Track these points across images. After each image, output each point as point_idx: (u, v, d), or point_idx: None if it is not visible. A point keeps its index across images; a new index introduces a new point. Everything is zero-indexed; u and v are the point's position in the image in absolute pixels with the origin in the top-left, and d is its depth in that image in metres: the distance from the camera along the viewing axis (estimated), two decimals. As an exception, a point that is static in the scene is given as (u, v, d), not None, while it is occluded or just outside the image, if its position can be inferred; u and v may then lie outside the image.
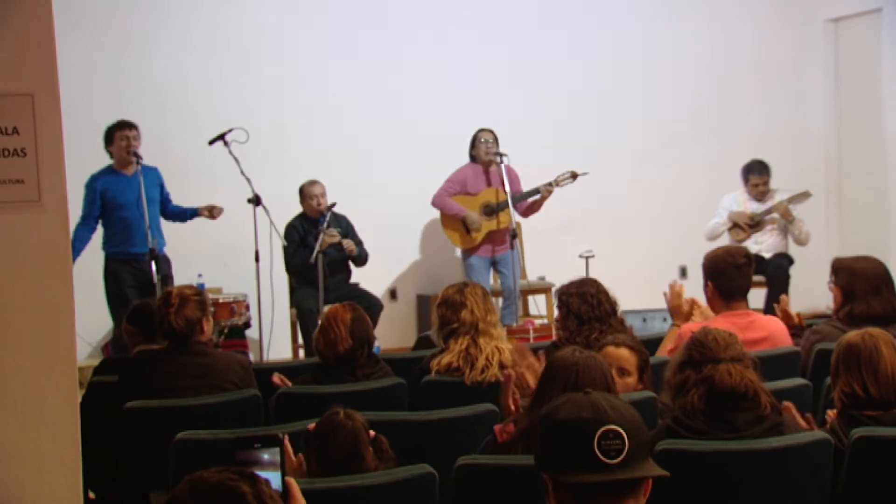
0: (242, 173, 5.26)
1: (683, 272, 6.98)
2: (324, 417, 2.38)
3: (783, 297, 3.97)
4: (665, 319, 5.65)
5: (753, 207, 6.09)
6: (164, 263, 5.19)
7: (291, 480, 1.54)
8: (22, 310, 2.23)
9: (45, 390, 2.22)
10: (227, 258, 5.94)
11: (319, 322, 3.46)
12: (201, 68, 6.10)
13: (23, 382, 2.21)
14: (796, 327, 3.72)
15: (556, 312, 3.74)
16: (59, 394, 2.24)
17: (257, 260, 5.35)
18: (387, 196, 6.36)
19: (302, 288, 5.58)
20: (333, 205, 5.52)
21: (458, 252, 6.23)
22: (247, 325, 5.37)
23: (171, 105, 5.99)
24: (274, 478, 1.50)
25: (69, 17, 5.25)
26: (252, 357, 5.59)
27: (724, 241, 5.92)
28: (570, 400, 1.59)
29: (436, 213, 6.18)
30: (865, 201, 7.01)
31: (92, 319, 5.34)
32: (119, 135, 5.14)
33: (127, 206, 5.12)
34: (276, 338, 5.68)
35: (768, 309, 5.65)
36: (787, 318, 3.77)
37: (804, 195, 6.02)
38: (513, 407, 2.78)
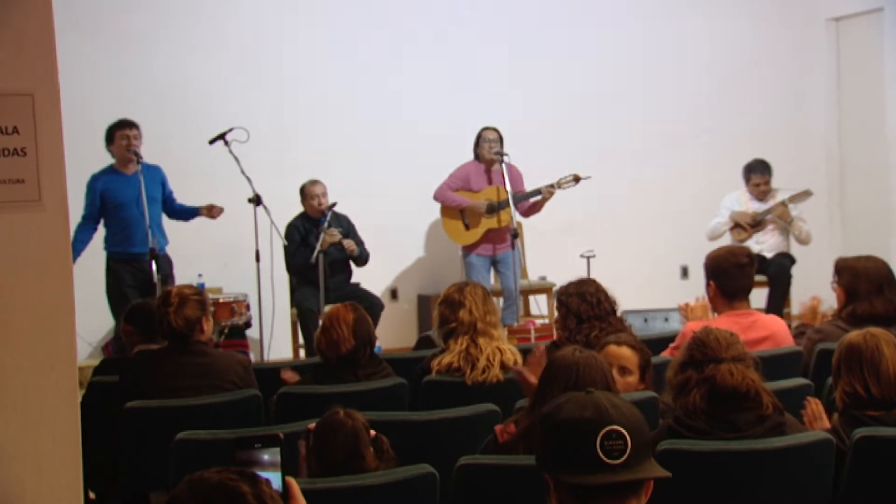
0: (243, 173, 5.25)
1: (685, 272, 6.98)
2: (324, 417, 2.38)
3: (815, 297, 3.92)
4: (666, 319, 5.65)
5: (755, 207, 6.08)
6: (165, 263, 5.19)
7: (292, 480, 1.54)
8: (22, 310, 2.22)
9: (45, 390, 2.22)
10: (228, 258, 5.93)
11: (320, 322, 3.45)
12: (201, 68, 6.10)
13: (23, 382, 2.21)
14: (803, 325, 3.71)
15: (556, 313, 3.74)
16: (59, 394, 2.24)
17: (258, 260, 5.34)
18: (387, 195, 6.35)
19: (303, 288, 5.57)
20: (334, 204, 5.52)
21: (460, 253, 6.22)
22: (247, 324, 5.37)
23: (172, 105, 5.99)
24: (274, 478, 1.50)
25: (69, 16, 5.25)
26: (252, 357, 5.59)
27: (726, 240, 5.92)
28: (572, 399, 1.58)
29: (437, 213, 6.18)
30: (867, 201, 7.01)
31: (92, 319, 5.33)
32: (119, 134, 5.13)
33: (127, 205, 5.12)
34: (276, 338, 5.67)
35: (770, 308, 5.66)
36: (812, 316, 3.75)
37: (805, 194, 6.01)
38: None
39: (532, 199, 5.90)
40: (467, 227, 5.98)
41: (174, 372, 3.24)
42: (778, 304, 5.86)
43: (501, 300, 5.94)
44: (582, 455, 1.51)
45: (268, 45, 6.24)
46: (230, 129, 5.32)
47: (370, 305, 5.13)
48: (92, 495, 3.36)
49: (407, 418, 2.96)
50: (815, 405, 2.69)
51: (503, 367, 3.30)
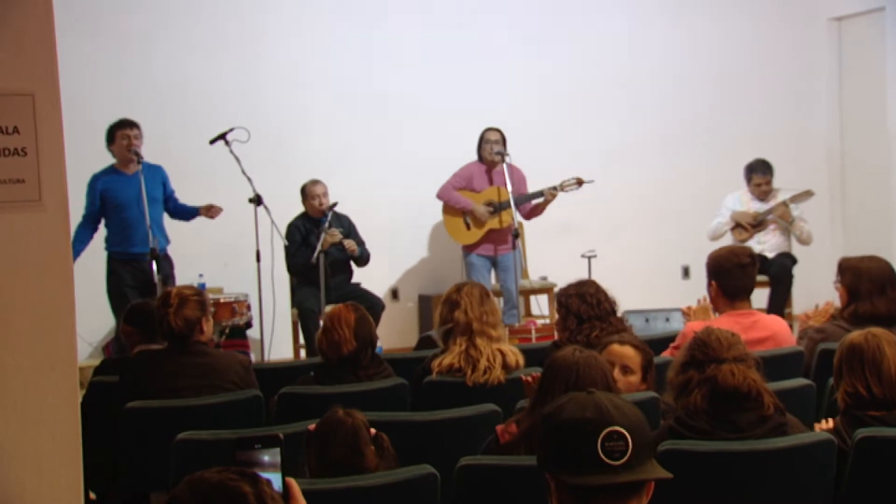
0: (244, 173, 5.25)
1: (686, 272, 6.97)
2: (324, 417, 2.38)
3: (829, 302, 3.91)
4: (668, 320, 5.65)
5: (756, 207, 6.07)
6: (166, 264, 5.19)
7: (292, 481, 1.53)
8: (22, 310, 2.21)
9: (45, 390, 2.21)
10: (229, 258, 5.93)
11: (321, 322, 3.45)
12: (202, 68, 6.10)
13: (23, 382, 2.20)
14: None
15: (557, 315, 3.74)
16: (59, 394, 2.23)
17: (258, 260, 5.34)
18: (388, 195, 6.35)
19: (303, 288, 5.57)
20: (335, 204, 5.51)
21: (461, 253, 6.22)
22: (248, 325, 5.36)
23: (172, 104, 5.99)
24: (275, 478, 1.49)
25: (69, 16, 5.25)
26: (253, 357, 5.58)
27: (727, 240, 5.91)
28: (574, 400, 1.58)
29: (438, 213, 6.18)
30: (869, 200, 7.00)
31: (93, 319, 5.33)
32: (120, 133, 5.13)
33: (127, 205, 5.11)
34: (277, 338, 5.67)
35: (771, 309, 5.65)
36: (821, 317, 3.75)
37: (806, 194, 6.00)
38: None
39: (534, 202, 5.90)
40: (468, 227, 5.98)
41: (174, 372, 3.23)
42: (779, 304, 5.85)
43: (502, 301, 5.94)
44: (583, 455, 1.50)
45: (269, 44, 6.24)
46: (231, 129, 5.32)
47: (371, 305, 5.13)
48: (92, 495, 3.36)
49: (408, 419, 2.96)
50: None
51: (505, 368, 3.29)
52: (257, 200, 5.30)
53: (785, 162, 6.44)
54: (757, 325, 3.51)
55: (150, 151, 5.24)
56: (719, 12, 7.03)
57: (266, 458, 1.54)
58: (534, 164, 6.07)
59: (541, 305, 6.46)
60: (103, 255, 5.23)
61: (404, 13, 6.49)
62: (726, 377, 2.44)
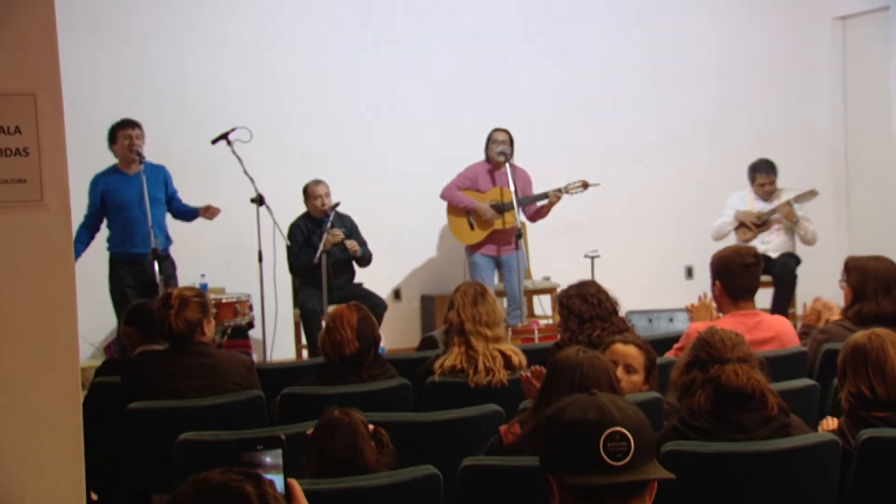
0: (246, 173, 5.24)
1: (689, 272, 6.96)
2: (321, 418, 2.38)
3: (818, 299, 3.93)
4: (671, 320, 5.63)
5: (760, 207, 6.06)
6: (168, 264, 5.18)
7: (294, 482, 1.53)
8: (24, 310, 2.21)
9: (46, 390, 2.21)
10: (231, 258, 5.92)
11: (323, 323, 3.44)
12: (204, 67, 6.09)
13: (24, 383, 2.20)
14: (808, 326, 3.71)
15: (559, 316, 3.73)
16: (60, 394, 2.23)
17: (260, 260, 5.33)
18: (391, 196, 6.35)
19: (305, 288, 5.56)
20: (337, 204, 5.51)
21: (464, 253, 6.21)
22: (250, 325, 5.35)
23: (174, 104, 5.99)
24: (277, 480, 1.49)
25: (70, 15, 5.23)
26: (255, 358, 5.58)
27: (731, 240, 5.89)
28: (576, 401, 1.58)
29: (441, 214, 6.17)
30: (873, 200, 6.98)
31: (95, 320, 5.33)
32: (122, 133, 5.13)
33: (129, 205, 5.11)
34: (279, 338, 5.66)
35: (775, 309, 5.64)
36: (814, 318, 3.75)
37: (810, 194, 5.98)
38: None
39: (539, 203, 5.89)
40: (472, 227, 5.98)
41: (176, 373, 3.23)
42: (783, 304, 5.84)
43: (505, 301, 5.93)
44: (585, 456, 1.51)
45: (271, 43, 6.24)
46: (233, 129, 5.31)
47: (373, 306, 5.11)
48: (94, 496, 3.35)
49: (411, 419, 2.95)
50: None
51: (509, 368, 3.28)
52: (259, 200, 5.29)
53: (788, 161, 6.43)
54: (761, 325, 3.50)
55: (152, 151, 5.24)
56: (722, 12, 7.02)
57: (268, 459, 1.54)
58: (536, 164, 6.07)
59: (543, 306, 6.46)
60: (105, 255, 5.23)
61: (411, 13, 6.48)
62: (730, 377, 2.44)
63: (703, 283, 3.82)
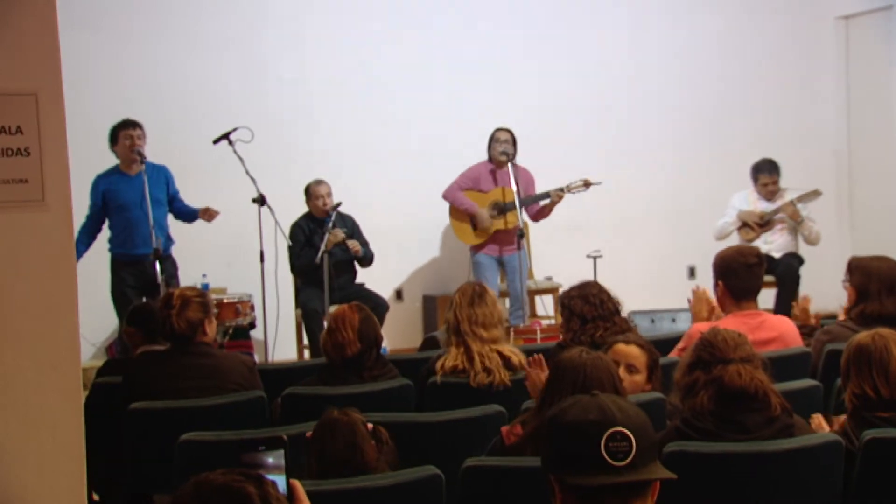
0: (247, 173, 5.23)
1: (692, 272, 6.95)
2: (320, 419, 2.38)
3: (805, 297, 3.95)
4: (674, 320, 5.62)
5: (763, 207, 6.05)
6: (170, 264, 5.17)
7: (297, 483, 1.53)
8: (25, 310, 2.21)
9: (48, 391, 2.21)
10: (232, 258, 5.92)
11: (325, 323, 3.44)
12: (206, 66, 6.09)
13: (26, 383, 2.20)
14: (808, 327, 3.70)
15: (560, 317, 3.72)
16: (62, 394, 2.23)
17: (262, 260, 5.32)
18: (392, 196, 6.34)
19: (307, 288, 5.56)
20: (339, 204, 5.50)
21: (466, 253, 6.21)
22: (251, 325, 5.35)
23: (175, 104, 5.98)
24: (279, 480, 1.50)
25: (71, 15, 5.22)
26: (257, 358, 5.57)
27: (734, 240, 5.88)
28: (577, 402, 1.58)
29: (444, 214, 6.16)
30: (877, 200, 6.97)
31: (96, 320, 5.33)
32: (123, 134, 5.13)
33: (130, 206, 5.10)
34: (281, 338, 5.65)
35: (778, 309, 5.62)
36: (804, 316, 3.75)
37: (814, 194, 5.97)
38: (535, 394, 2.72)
39: (541, 203, 5.89)
40: (475, 228, 5.97)
41: (178, 373, 3.22)
42: (786, 304, 5.80)
43: (507, 301, 5.93)
44: (587, 456, 1.50)
45: (273, 42, 6.23)
46: (234, 129, 5.30)
47: (375, 306, 5.11)
48: (95, 497, 3.35)
49: (413, 420, 2.95)
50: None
51: (509, 369, 3.27)
52: (261, 200, 5.29)
53: (791, 161, 6.41)
54: (764, 325, 3.50)
55: (153, 151, 5.23)
56: (726, 11, 7.01)
57: (270, 459, 1.54)
58: (539, 164, 6.05)
59: (546, 306, 6.45)
60: (107, 255, 5.23)
61: (413, 12, 6.47)
62: (733, 378, 2.43)
63: (705, 284, 3.82)
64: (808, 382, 3.13)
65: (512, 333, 4.83)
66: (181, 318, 3.23)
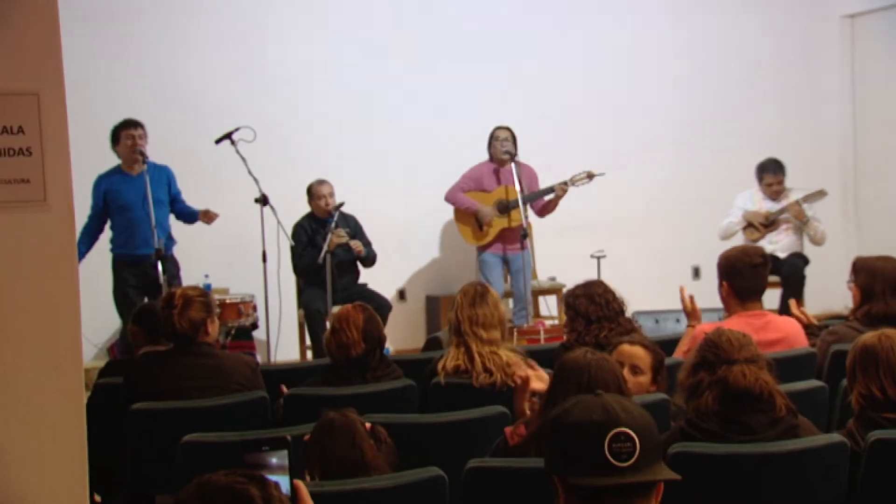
0: (250, 173, 5.23)
1: (696, 272, 6.93)
2: (318, 422, 2.37)
3: (792, 301, 3.94)
4: (678, 320, 5.61)
5: (768, 206, 6.03)
6: (171, 265, 5.16)
7: (300, 483, 1.53)
8: (27, 310, 2.21)
9: (49, 391, 2.20)
10: (234, 258, 5.92)
11: (328, 323, 3.43)
12: (207, 66, 6.09)
13: (28, 383, 2.19)
14: (810, 325, 3.70)
15: (565, 317, 3.71)
16: (64, 395, 2.22)
17: (264, 260, 5.32)
18: (395, 196, 6.34)
19: (310, 288, 5.55)
20: (342, 204, 5.50)
21: (469, 253, 6.20)
22: (254, 326, 5.35)
23: (177, 104, 5.98)
24: (282, 481, 1.49)
25: (73, 14, 5.22)
26: (259, 358, 5.56)
27: (738, 240, 5.87)
28: (581, 402, 1.57)
29: (446, 214, 6.16)
30: (882, 199, 6.94)
31: (98, 320, 5.32)
32: (125, 134, 5.12)
33: (131, 206, 5.10)
34: (283, 339, 5.65)
35: (783, 309, 5.60)
36: (805, 318, 3.75)
37: (819, 194, 5.95)
38: (528, 412, 2.73)
39: (546, 198, 5.88)
40: (480, 228, 5.96)
41: (180, 373, 3.22)
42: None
43: (511, 301, 5.91)
44: (590, 457, 1.50)
45: (275, 43, 6.23)
46: (237, 129, 5.30)
47: (378, 306, 5.09)
48: (97, 498, 3.34)
49: (416, 420, 2.94)
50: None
51: (509, 369, 3.26)
52: (263, 200, 5.28)
53: (796, 161, 6.39)
54: (769, 325, 3.48)
55: (155, 151, 5.23)
56: (731, 10, 7.00)
57: (274, 460, 1.54)
58: (543, 164, 6.05)
59: (549, 306, 6.44)
60: (108, 256, 5.22)
61: (414, 12, 6.47)
62: (737, 378, 2.42)
63: (710, 284, 3.80)
64: (813, 383, 3.11)
65: (515, 334, 4.82)
66: (183, 318, 3.22)
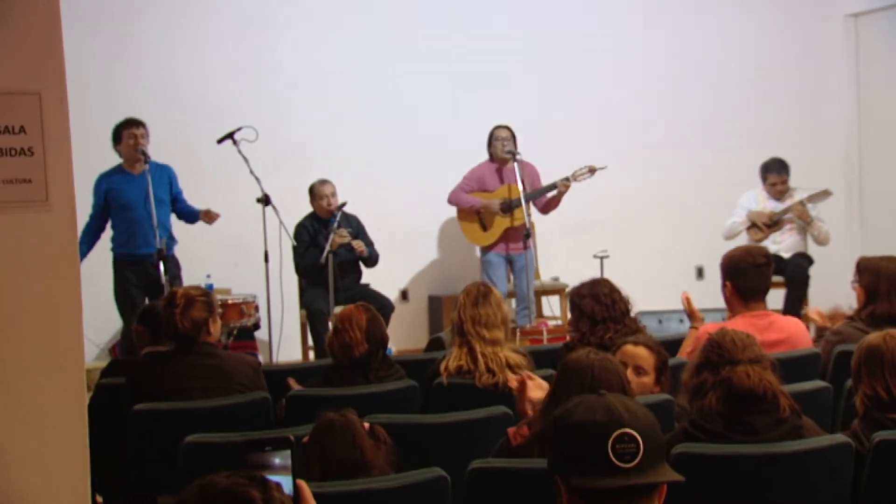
0: (252, 172, 5.22)
1: (700, 272, 6.92)
2: (316, 423, 2.37)
3: (812, 309, 3.93)
4: (681, 321, 5.60)
5: (772, 206, 6.01)
6: (172, 265, 5.15)
7: (303, 484, 1.52)
8: (29, 310, 2.21)
9: (52, 392, 2.20)
10: (237, 258, 5.91)
11: (331, 323, 3.42)
12: (210, 65, 6.08)
13: (30, 384, 2.19)
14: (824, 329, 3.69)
15: (569, 314, 3.70)
16: (66, 395, 2.22)
17: (267, 260, 5.31)
18: (398, 195, 6.33)
19: (312, 289, 5.55)
20: (344, 204, 5.49)
21: (471, 253, 6.20)
22: (256, 326, 5.34)
23: (179, 103, 5.97)
24: (285, 481, 1.49)
25: (75, 13, 5.22)
26: (261, 359, 5.56)
27: (742, 240, 5.85)
28: (584, 402, 1.55)
29: (449, 214, 6.15)
30: (887, 199, 6.92)
31: (99, 321, 5.32)
32: (127, 133, 5.11)
33: (132, 205, 5.09)
34: (285, 339, 5.64)
35: (787, 310, 5.59)
36: (822, 321, 3.74)
37: (824, 194, 5.93)
38: (530, 412, 2.72)
39: (549, 195, 5.87)
40: (485, 229, 5.95)
41: (182, 373, 3.21)
42: (795, 305, 5.78)
43: (514, 301, 5.90)
44: (593, 458, 1.48)
45: (277, 42, 6.23)
46: (238, 128, 5.30)
47: (380, 307, 5.07)
48: (99, 498, 3.34)
49: (419, 421, 2.93)
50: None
51: (512, 370, 3.25)
52: (265, 200, 5.28)
53: (800, 160, 6.36)
54: (773, 326, 3.47)
55: (157, 151, 5.22)
56: (734, 9, 6.98)
57: (277, 460, 1.53)
58: (546, 163, 6.03)
59: (552, 306, 6.42)
60: (109, 256, 5.21)
61: (416, 11, 6.46)
62: (741, 379, 2.41)
63: (714, 284, 3.79)
64: (817, 384, 3.10)
65: (518, 334, 4.81)
66: (185, 318, 3.22)
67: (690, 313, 3.73)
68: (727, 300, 3.56)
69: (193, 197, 5.43)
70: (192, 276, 5.30)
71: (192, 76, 6.06)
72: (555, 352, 3.56)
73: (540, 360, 3.43)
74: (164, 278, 4.85)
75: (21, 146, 2.21)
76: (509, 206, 5.86)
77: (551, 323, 5.63)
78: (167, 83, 5.98)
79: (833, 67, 7.10)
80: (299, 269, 5.64)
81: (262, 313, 5.35)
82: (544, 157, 6.07)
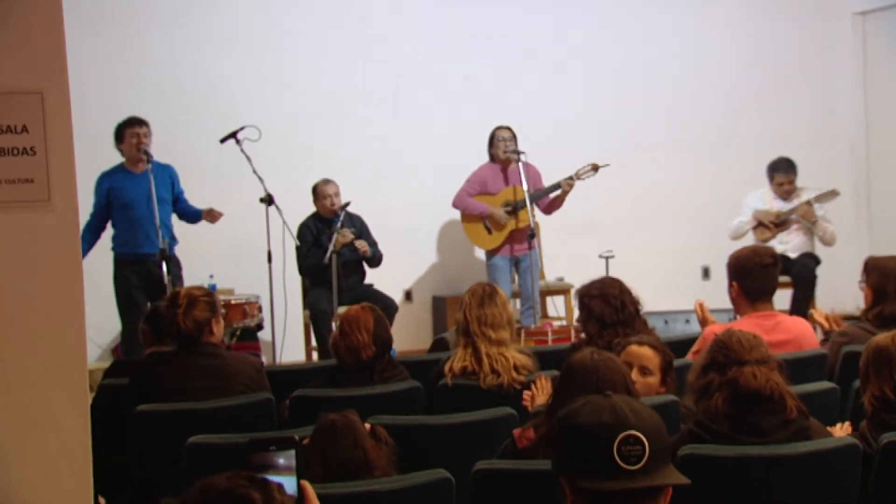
0: (255, 172, 5.21)
1: (706, 272, 6.89)
2: (317, 424, 2.36)
3: (818, 311, 3.91)
4: (687, 321, 5.58)
5: (779, 206, 5.98)
6: (174, 265, 5.14)
7: (307, 484, 1.51)
8: (31, 311, 2.20)
9: (54, 392, 2.20)
10: (240, 258, 5.90)
11: (334, 324, 3.41)
12: (212, 65, 6.08)
13: (32, 384, 2.18)
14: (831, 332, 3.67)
15: (576, 314, 3.67)
16: (68, 396, 2.22)
17: (270, 260, 5.30)
18: (401, 195, 6.32)
19: (315, 289, 5.53)
20: (347, 204, 5.48)
21: (475, 253, 6.18)
22: (259, 326, 5.33)
23: (182, 102, 5.97)
24: (289, 482, 1.48)
25: (77, 13, 5.21)
26: (264, 360, 5.55)
27: (749, 240, 5.82)
28: (590, 403, 1.54)
29: (452, 214, 6.13)
30: (895, 199, 6.88)
31: (102, 321, 5.31)
32: (129, 132, 5.11)
33: (135, 205, 5.07)
34: (288, 340, 5.63)
35: (794, 310, 5.56)
36: (828, 324, 3.72)
37: (831, 194, 5.89)
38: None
39: (552, 195, 5.85)
40: (490, 232, 5.93)
41: (184, 373, 3.20)
42: (802, 305, 5.75)
43: (519, 302, 5.89)
44: (599, 460, 1.47)
45: (281, 42, 6.22)
46: (241, 128, 5.29)
47: (384, 307, 5.05)
48: (101, 500, 3.33)
49: (423, 422, 2.92)
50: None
51: (518, 371, 3.23)
52: (268, 200, 5.26)
53: (808, 160, 6.32)
54: (779, 326, 3.45)
55: (159, 150, 5.21)
56: (742, 8, 6.95)
57: (281, 460, 1.52)
58: (549, 164, 6.02)
59: (557, 307, 6.40)
60: (111, 255, 5.20)
61: (418, 13, 6.45)
62: (748, 379, 2.39)
63: (720, 284, 3.77)
64: (824, 385, 3.08)
65: (523, 334, 4.79)
66: (188, 318, 3.21)
67: (703, 322, 3.69)
68: (733, 300, 3.53)
69: (195, 197, 5.42)
70: (194, 277, 5.29)
71: (194, 75, 6.05)
72: (560, 352, 3.54)
73: (545, 360, 3.41)
74: (166, 279, 4.84)
75: (23, 146, 2.20)
76: (514, 208, 5.84)
77: (556, 323, 5.61)
78: (169, 82, 5.98)
79: (841, 66, 7.07)
80: (302, 269, 5.63)
81: (266, 314, 5.35)
82: (548, 158, 6.05)
